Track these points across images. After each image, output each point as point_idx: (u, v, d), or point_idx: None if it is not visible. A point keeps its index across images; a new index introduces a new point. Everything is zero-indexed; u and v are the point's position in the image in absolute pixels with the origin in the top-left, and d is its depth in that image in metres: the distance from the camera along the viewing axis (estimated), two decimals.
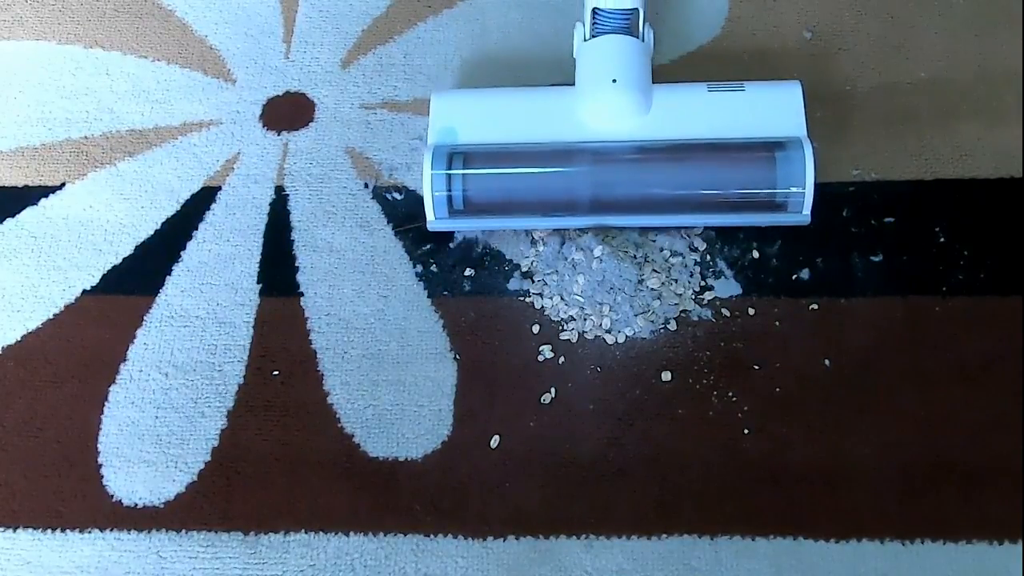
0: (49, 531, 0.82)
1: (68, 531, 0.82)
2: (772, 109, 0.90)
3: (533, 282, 0.90)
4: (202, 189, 0.98)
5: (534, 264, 0.91)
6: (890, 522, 0.79)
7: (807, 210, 0.87)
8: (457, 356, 0.88)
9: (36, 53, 1.07)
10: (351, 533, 0.81)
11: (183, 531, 0.82)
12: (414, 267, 0.93)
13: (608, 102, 0.89)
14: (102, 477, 0.84)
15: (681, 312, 0.88)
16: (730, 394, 0.85)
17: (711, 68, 1.01)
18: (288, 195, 0.97)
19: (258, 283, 0.93)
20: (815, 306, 0.88)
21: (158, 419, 0.87)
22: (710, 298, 0.89)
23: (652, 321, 0.87)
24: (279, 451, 0.84)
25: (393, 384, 0.87)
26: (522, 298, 0.90)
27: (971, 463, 0.81)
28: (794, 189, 0.87)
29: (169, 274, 0.93)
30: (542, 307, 0.89)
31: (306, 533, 0.81)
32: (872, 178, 0.94)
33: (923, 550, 0.78)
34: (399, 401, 0.86)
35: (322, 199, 0.97)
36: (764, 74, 1.00)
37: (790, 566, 0.78)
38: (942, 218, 0.92)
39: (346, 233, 0.95)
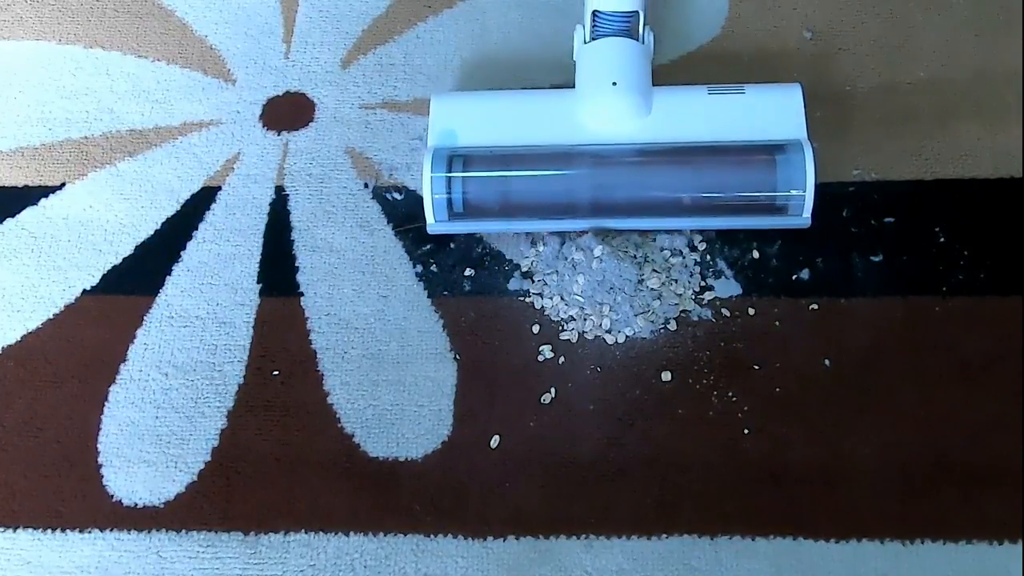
0: (49, 531, 0.82)
1: (68, 531, 0.82)
2: (772, 112, 0.90)
3: (533, 282, 0.90)
4: (202, 189, 0.98)
5: (534, 264, 0.91)
6: (890, 522, 0.79)
7: (807, 213, 0.87)
8: (457, 356, 0.88)
9: (36, 53, 1.07)
10: (351, 533, 0.81)
11: (183, 531, 0.82)
12: (414, 267, 0.93)
13: (608, 105, 0.89)
14: (102, 477, 0.84)
15: (681, 312, 0.88)
16: (730, 394, 0.85)
17: (711, 68, 1.01)
18: (288, 195, 0.97)
19: (258, 283, 0.93)
20: (815, 306, 0.88)
21: (158, 419, 0.87)
22: (710, 298, 0.89)
23: (652, 321, 0.87)
24: (279, 451, 0.84)
25: (393, 384, 0.87)
26: (522, 298, 0.90)
27: (971, 463, 0.81)
28: (794, 192, 0.87)
29: (169, 274, 0.93)
30: (542, 307, 0.89)
31: (306, 533, 0.81)
32: (872, 178, 0.94)
33: (923, 550, 0.78)
34: (399, 401, 0.86)
35: (322, 199, 0.97)
36: (764, 74, 1.00)
37: (790, 566, 0.78)
38: (942, 218, 0.92)
39: (346, 233, 0.95)
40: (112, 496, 0.84)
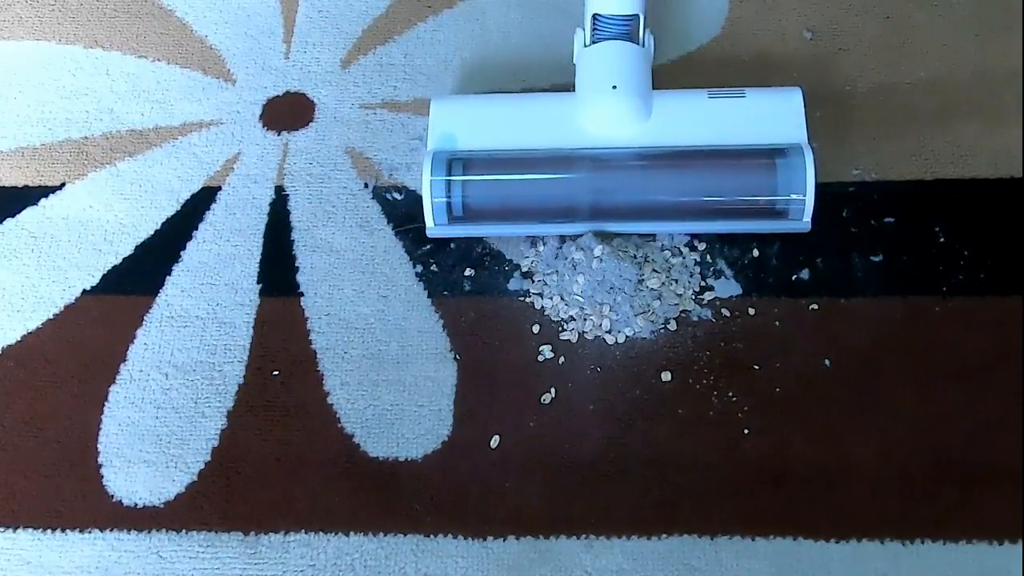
0: (49, 531, 0.82)
1: (68, 531, 0.82)
2: (773, 116, 0.89)
3: (533, 282, 0.90)
4: (202, 189, 0.98)
5: (534, 264, 0.91)
6: (890, 522, 0.79)
7: (808, 217, 0.87)
8: (457, 356, 0.88)
9: (36, 53, 1.07)
10: (351, 533, 0.81)
11: (183, 531, 0.82)
12: (414, 267, 0.93)
13: (608, 108, 0.89)
14: (102, 477, 0.84)
15: (681, 312, 0.88)
16: (730, 394, 0.85)
17: (711, 68, 1.01)
18: (288, 195, 0.97)
19: (258, 283, 0.93)
20: (815, 306, 0.88)
21: (158, 419, 0.87)
22: (710, 298, 0.89)
23: (652, 321, 0.87)
24: (279, 451, 0.84)
25: (393, 384, 0.87)
26: (522, 298, 0.90)
27: (971, 463, 0.81)
28: (794, 196, 0.87)
29: (169, 274, 0.93)
30: (542, 307, 0.89)
31: (306, 533, 0.81)
32: (872, 178, 0.94)
33: (923, 550, 0.78)
34: (399, 401, 0.86)
35: (322, 199, 0.97)
36: (764, 74, 1.00)
37: (790, 566, 0.78)
38: (942, 218, 0.92)
39: (346, 233, 0.95)
40: (112, 496, 0.84)
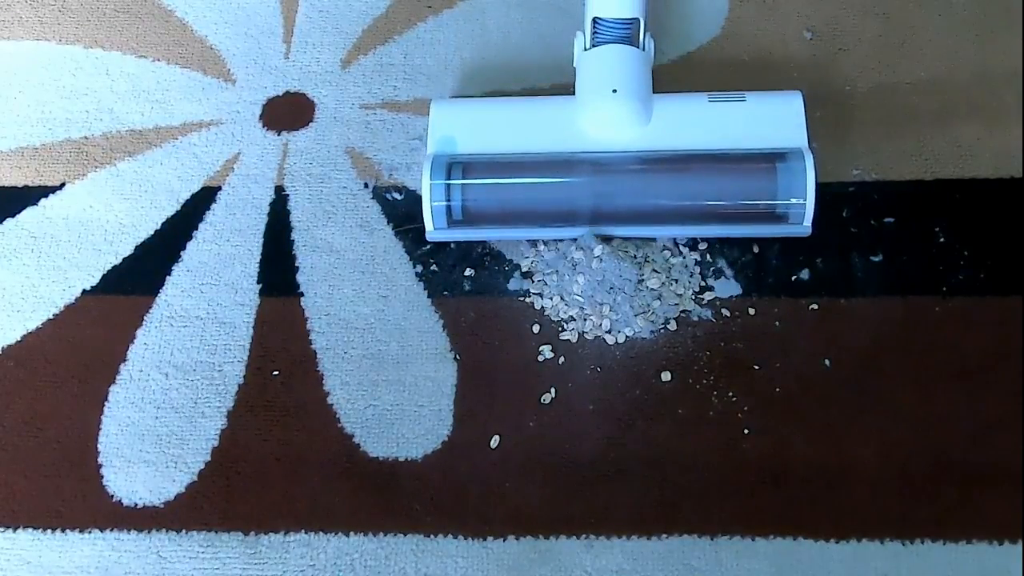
0: (49, 531, 0.82)
1: (68, 531, 0.82)
2: (773, 119, 0.89)
3: (533, 282, 0.90)
4: (202, 189, 0.98)
5: (534, 264, 0.91)
6: (890, 522, 0.79)
7: (808, 221, 0.87)
8: (457, 356, 0.88)
9: (36, 53, 1.07)
10: (351, 533, 0.81)
11: (183, 531, 0.82)
12: (414, 267, 0.93)
13: (608, 112, 0.89)
14: (102, 477, 0.84)
15: (681, 312, 0.88)
16: (730, 394, 0.85)
17: (711, 68, 1.01)
18: (288, 195, 0.97)
19: (258, 283, 0.93)
20: (815, 306, 0.88)
21: (158, 419, 0.87)
22: (710, 298, 0.89)
23: (652, 321, 0.87)
24: (279, 451, 0.84)
25: (393, 384, 0.87)
26: (522, 298, 0.90)
27: (971, 463, 0.81)
28: (795, 201, 0.87)
29: (169, 274, 0.93)
30: (542, 307, 0.89)
31: (306, 533, 0.81)
32: (872, 178, 0.94)
33: (923, 550, 0.78)
34: (399, 401, 0.86)
35: (322, 199, 0.97)
36: (764, 74, 1.00)
37: (790, 566, 0.78)
38: (942, 218, 0.92)
39: (346, 233, 0.95)
40: (112, 496, 0.84)
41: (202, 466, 0.84)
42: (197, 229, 0.96)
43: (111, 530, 0.82)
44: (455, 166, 0.89)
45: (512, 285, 0.91)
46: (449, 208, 0.89)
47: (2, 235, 0.97)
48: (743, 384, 0.85)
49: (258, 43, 1.06)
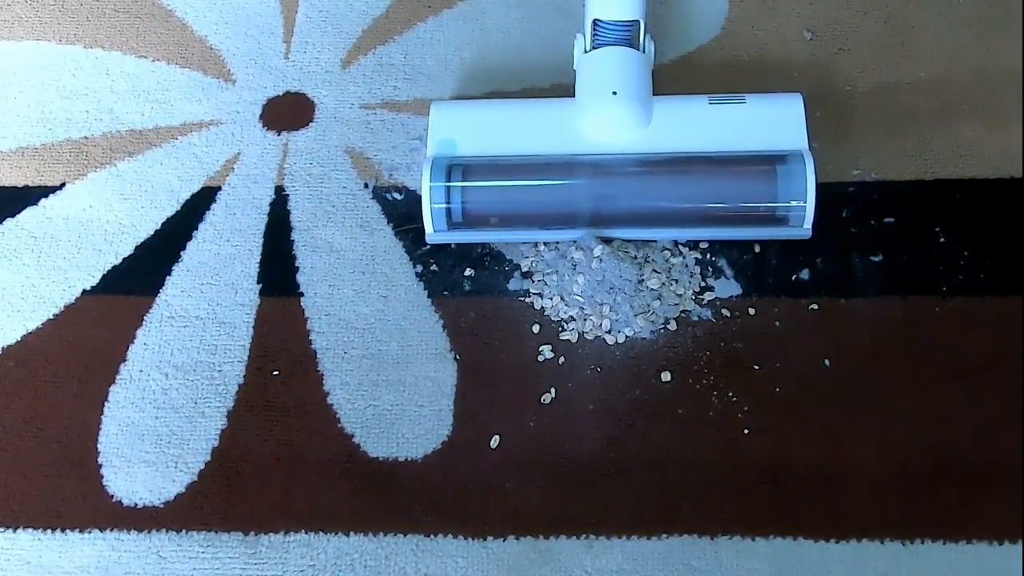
0: (49, 531, 0.82)
1: (68, 531, 0.82)
2: (773, 122, 0.89)
3: (533, 282, 0.90)
4: (202, 189, 0.98)
5: (534, 264, 0.91)
6: (890, 522, 0.79)
7: (808, 224, 0.87)
8: (457, 356, 0.88)
9: (36, 53, 1.07)
10: (351, 533, 0.81)
11: (183, 531, 0.82)
12: (414, 267, 0.93)
13: (608, 114, 0.89)
14: (102, 477, 0.84)
15: (681, 312, 0.88)
16: (730, 394, 0.85)
17: (710, 68, 1.01)
18: (288, 195, 0.97)
19: (258, 283, 0.93)
20: (815, 306, 0.88)
21: (158, 419, 0.87)
22: (710, 298, 0.89)
23: (652, 321, 0.87)
24: (279, 451, 0.84)
25: (393, 384, 0.87)
26: (522, 298, 0.90)
27: (971, 463, 0.81)
28: (795, 203, 0.87)
29: (169, 274, 0.93)
30: (542, 307, 0.89)
31: (306, 533, 0.81)
32: (872, 178, 0.94)
33: (923, 550, 0.78)
34: (399, 401, 0.86)
35: (322, 199, 0.97)
36: (764, 74, 1.00)
37: (790, 566, 0.78)
38: (942, 218, 0.92)
39: (346, 233, 0.95)
40: (112, 496, 0.84)
41: (202, 466, 0.84)
42: (197, 229, 0.96)
43: (111, 530, 0.82)
44: (455, 168, 0.89)
45: (512, 285, 0.91)
46: (449, 210, 0.89)
47: (2, 235, 0.97)
48: (743, 384, 0.85)
49: (258, 43, 1.07)
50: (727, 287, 0.90)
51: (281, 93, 1.03)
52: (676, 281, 0.89)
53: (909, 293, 0.88)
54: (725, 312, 0.88)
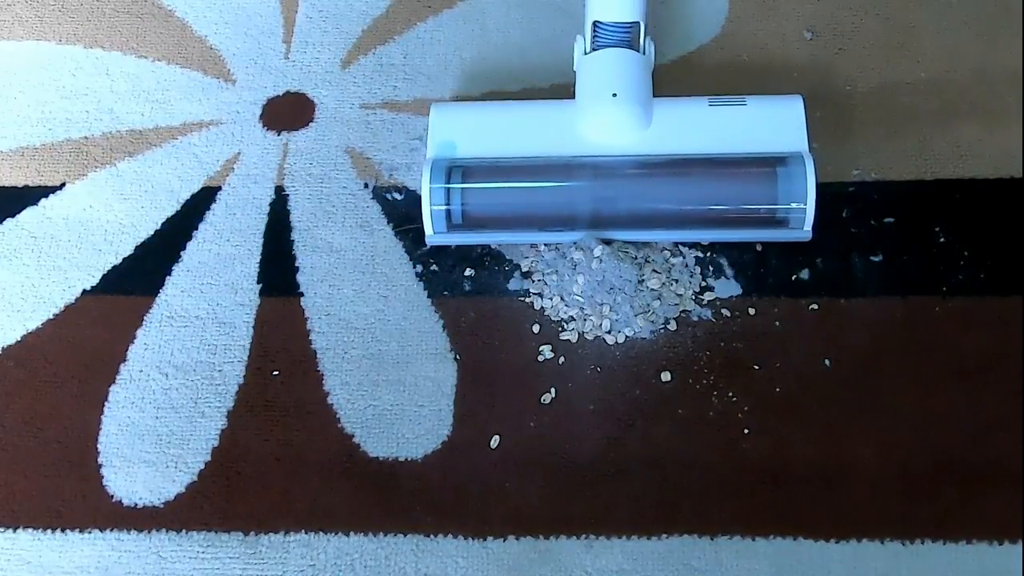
0: (49, 531, 0.82)
1: (68, 531, 0.82)
2: (773, 124, 0.89)
3: (533, 282, 0.90)
4: (202, 189, 0.98)
5: (534, 264, 0.91)
6: (890, 522, 0.79)
7: (808, 226, 0.87)
8: (457, 356, 0.88)
9: (36, 53, 1.07)
10: (351, 533, 0.81)
11: (183, 531, 0.82)
12: (414, 267, 0.93)
13: (608, 116, 0.89)
14: (102, 477, 0.84)
15: (681, 312, 0.88)
16: (730, 394, 0.85)
17: (710, 68, 1.01)
18: (288, 195, 0.97)
19: (258, 283, 0.93)
20: (815, 306, 0.88)
21: (158, 419, 0.87)
22: (710, 298, 0.89)
23: (652, 321, 0.87)
24: (279, 451, 0.84)
25: (393, 384, 0.87)
26: (522, 298, 0.90)
27: (971, 463, 0.81)
28: (795, 205, 0.87)
29: (169, 274, 0.93)
30: (542, 307, 0.89)
31: (306, 533, 0.81)
32: (872, 178, 0.94)
33: (923, 550, 0.78)
34: (399, 401, 0.86)
35: (322, 199, 0.97)
36: (764, 74, 1.00)
37: (790, 566, 0.78)
38: (942, 218, 0.92)
39: (346, 233, 0.95)
40: (112, 496, 0.84)
41: (202, 466, 0.84)
42: (197, 229, 0.96)
43: (111, 530, 0.82)
44: (455, 170, 0.89)
45: (512, 285, 0.91)
46: (449, 212, 0.89)
47: (2, 235, 0.97)
48: (743, 384, 0.85)
49: (258, 43, 1.07)
50: (727, 287, 0.90)
51: (281, 93, 1.03)
52: (676, 281, 0.89)
53: (909, 293, 0.88)
54: (725, 312, 0.88)
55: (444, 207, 0.88)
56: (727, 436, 0.83)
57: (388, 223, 0.95)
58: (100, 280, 0.93)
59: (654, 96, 0.91)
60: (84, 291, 0.93)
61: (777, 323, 0.88)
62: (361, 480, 0.83)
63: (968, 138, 0.96)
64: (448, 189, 0.88)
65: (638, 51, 0.91)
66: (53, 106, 1.04)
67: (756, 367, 0.86)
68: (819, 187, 0.86)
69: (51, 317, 0.92)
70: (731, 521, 0.80)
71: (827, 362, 0.86)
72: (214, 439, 0.85)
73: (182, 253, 0.94)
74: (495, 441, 0.84)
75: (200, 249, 0.95)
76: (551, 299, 0.89)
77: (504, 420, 0.85)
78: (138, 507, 0.83)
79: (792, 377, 0.85)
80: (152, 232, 0.96)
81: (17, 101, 1.04)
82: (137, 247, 0.95)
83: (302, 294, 0.92)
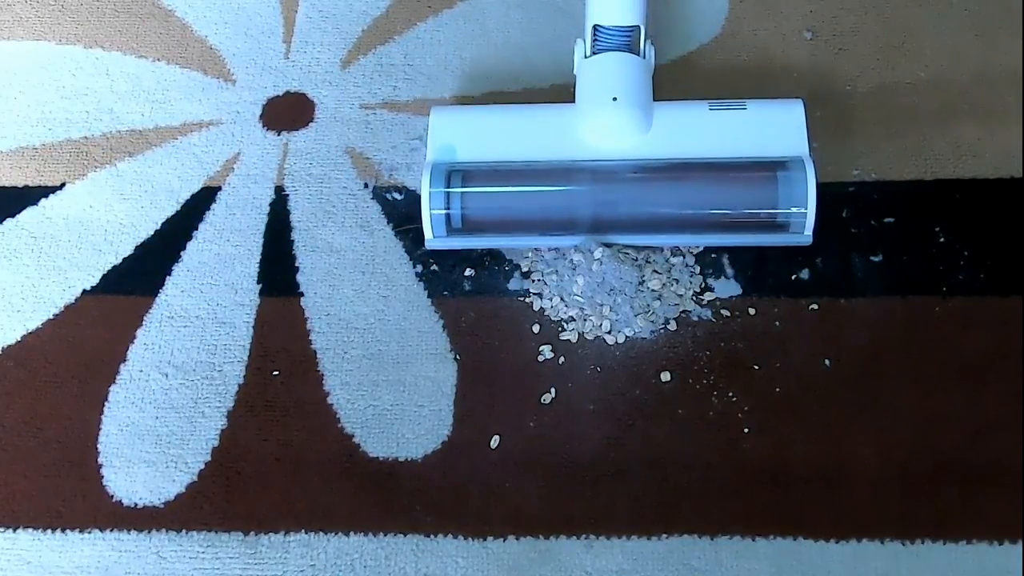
0: (49, 531, 0.82)
1: (68, 531, 0.82)
2: (774, 127, 0.89)
3: (533, 282, 0.90)
4: (202, 189, 0.98)
5: (534, 264, 0.91)
6: (890, 522, 0.79)
7: (809, 230, 0.87)
8: (457, 356, 0.88)
9: (36, 53, 1.07)
10: (351, 533, 0.81)
11: (183, 531, 0.82)
12: (414, 267, 0.93)
13: (608, 120, 0.89)
14: (102, 477, 0.84)
15: (681, 312, 0.88)
16: (730, 394, 0.85)
17: (710, 68, 1.01)
18: (288, 195, 0.97)
19: (258, 283, 0.93)
20: (815, 306, 0.88)
21: (158, 419, 0.87)
22: (710, 298, 0.89)
23: (652, 321, 0.87)
24: (279, 451, 0.84)
25: (393, 384, 0.87)
26: (522, 298, 0.90)
27: (971, 463, 0.81)
28: (795, 210, 0.86)
29: (169, 274, 0.93)
30: (542, 307, 0.89)
31: (306, 533, 0.81)
32: (872, 178, 0.94)
33: (923, 550, 0.78)
34: (399, 401, 0.86)
35: (322, 199, 0.97)
36: (763, 74, 1.00)
37: (790, 566, 0.78)
38: (942, 218, 0.92)
39: (346, 233, 0.95)
40: (112, 496, 0.84)
41: (202, 466, 0.84)
42: (197, 229, 0.96)
43: (111, 530, 0.82)
44: (455, 174, 0.88)
45: (512, 285, 0.91)
46: (448, 216, 0.88)
47: (2, 235, 0.97)
48: (743, 384, 0.85)
49: (258, 43, 1.06)
50: (727, 287, 0.90)
51: (281, 93, 1.03)
52: (676, 281, 0.89)
53: (909, 293, 0.88)
54: (725, 312, 0.88)
55: (444, 211, 0.88)
56: (727, 436, 0.83)
57: (388, 223, 0.95)
58: (100, 280, 0.93)
59: (654, 100, 0.91)
60: (84, 291, 0.93)
61: (777, 323, 0.88)
62: (361, 480, 0.83)
63: (968, 138, 0.96)
64: (448, 193, 0.88)
65: (638, 55, 0.91)
66: (53, 106, 1.04)
67: (756, 367, 0.86)
68: (820, 191, 0.86)
69: (51, 317, 0.92)
70: (731, 521, 0.80)
71: (827, 362, 0.86)
72: (214, 439, 0.85)
73: (182, 253, 0.94)
74: (495, 441, 0.84)
75: (200, 249, 0.95)
76: (551, 299, 0.89)
77: (504, 420, 0.85)
78: (138, 507, 0.83)
79: (792, 377, 0.85)
80: (152, 232, 0.96)
81: (17, 101, 1.04)
82: (137, 247, 0.95)
83: (302, 294, 0.92)
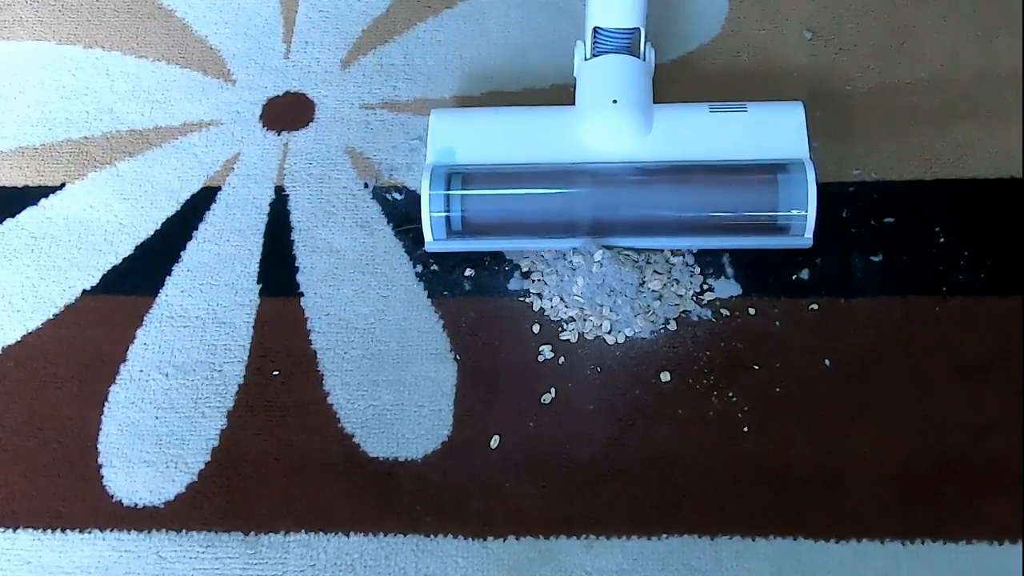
0: (49, 531, 0.82)
1: (68, 531, 0.82)
2: (774, 130, 0.89)
3: (533, 282, 0.90)
4: (202, 189, 0.98)
5: (534, 264, 0.91)
6: (890, 522, 0.79)
7: (809, 233, 0.87)
8: (457, 356, 0.88)
9: (36, 53, 1.07)
10: (351, 533, 0.81)
11: (183, 531, 0.82)
12: (414, 267, 0.93)
13: (608, 123, 0.89)
14: (102, 477, 0.84)
15: (681, 312, 0.88)
16: (730, 394, 0.85)
17: (710, 68, 1.01)
18: (288, 195, 0.97)
19: (258, 283, 0.93)
20: (815, 306, 0.88)
21: (158, 419, 0.87)
22: (710, 298, 0.89)
23: (652, 321, 0.87)
24: (279, 451, 0.84)
25: (393, 384, 0.87)
26: (522, 298, 0.90)
27: (971, 463, 0.81)
28: (796, 212, 0.86)
29: (169, 274, 0.93)
30: (542, 308, 0.89)
31: (306, 533, 0.81)
32: (872, 178, 0.94)
33: (923, 550, 0.78)
34: (399, 401, 0.86)
35: (322, 199, 0.97)
36: (763, 74, 1.00)
37: (790, 566, 0.78)
38: (942, 218, 0.92)
39: (346, 233, 0.95)
40: (112, 496, 0.84)
41: (202, 466, 0.84)
42: (197, 229, 0.96)
43: (111, 530, 0.82)
44: (455, 176, 0.88)
45: (512, 285, 0.91)
46: (448, 219, 0.88)
47: (2, 235, 0.97)
48: (743, 384, 0.85)
49: (258, 43, 1.07)
50: (727, 287, 0.90)
51: (281, 93, 1.03)
52: (677, 281, 0.89)
53: (909, 293, 0.88)
54: (725, 312, 0.88)
55: (444, 214, 0.88)
56: (727, 436, 0.83)
57: (388, 223, 0.95)
58: (100, 280, 0.93)
59: (654, 102, 0.91)
60: (84, 291, 0.93)
61: (777, 323, 0.88)
62: (361, 480, 0.83)
63: (968, 138, 0.96)
64: (448, 196, 0.88)
65: (638, 57, 0.91)
66: (53, 106, 1.04)
67: (756, 367, 0.86)
68: (820, 194, 0.85)
69: (51, 317, 0.92)
70: (731, 521, 0.80)
71: (827, 362, 0.86)
72: (214, 439, 0.85)
73: (182, 253, 0.94)
74: (495, 441, 0.84)
75: (200, 249, 0.95)
76: (551, 299, 0.89)
77: (504, 420, 0.85)
78: (138, 507, 0.83)
79: (792, 377, 0.85)
80: (152, 232, 0.96)
81: (17, 101, 1.04)
82: (137, 247, 0.95)
83: (302, 294, 0.92)
